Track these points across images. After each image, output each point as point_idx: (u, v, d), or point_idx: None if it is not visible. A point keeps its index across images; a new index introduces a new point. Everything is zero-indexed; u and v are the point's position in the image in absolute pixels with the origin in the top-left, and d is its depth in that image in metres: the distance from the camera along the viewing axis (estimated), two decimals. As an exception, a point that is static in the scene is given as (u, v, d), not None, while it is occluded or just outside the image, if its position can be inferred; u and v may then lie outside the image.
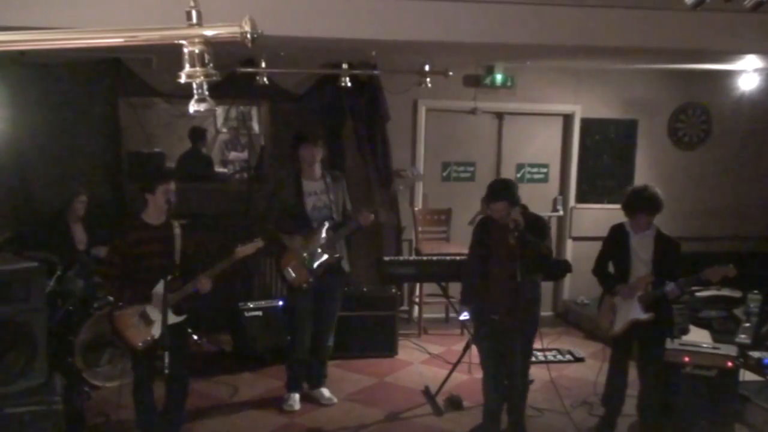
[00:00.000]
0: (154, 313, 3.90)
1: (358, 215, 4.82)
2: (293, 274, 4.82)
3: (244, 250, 4.06)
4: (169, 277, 3.89)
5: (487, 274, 4.32)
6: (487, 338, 4.44)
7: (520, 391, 4.45)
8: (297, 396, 5.04)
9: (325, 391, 5.13)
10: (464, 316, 4.57)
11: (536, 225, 4.25)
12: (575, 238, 7.47)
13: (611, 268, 4.64)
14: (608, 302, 4.56)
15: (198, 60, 1.48)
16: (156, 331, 3.87)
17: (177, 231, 4.02)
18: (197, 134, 7.63)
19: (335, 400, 5.10)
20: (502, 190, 4.22)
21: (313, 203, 4.85)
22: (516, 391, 4.45)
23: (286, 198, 4.87)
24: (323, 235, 4.82)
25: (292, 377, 5.10)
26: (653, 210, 4.35)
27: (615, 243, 4.53)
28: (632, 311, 4.37)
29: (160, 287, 3.86)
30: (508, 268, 4.18)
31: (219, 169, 8.50)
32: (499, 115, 7.31)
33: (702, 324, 5.98)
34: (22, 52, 5.15)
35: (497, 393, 4.46)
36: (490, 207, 4.23)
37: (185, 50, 1.48)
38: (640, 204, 4.35)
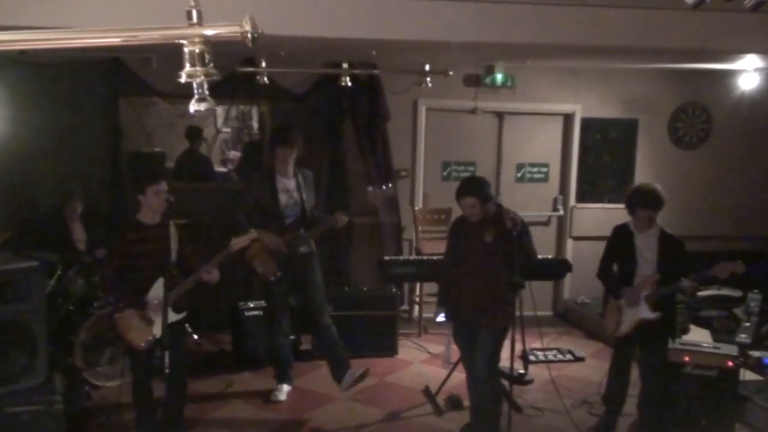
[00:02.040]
0: (154, 313, 3.90)
1: (332, 217, 4.88)
2: (261, 267, 4.88)
3: (239, 242, 4.11)
4: (167, 276, 3.91)
5: (461, 273, 4.28)
6: (462, 339, 4.41)
7: (487, 397, 4.27)
8: (284, 387, 5.14)
9: (353, 373, 4.95)
10: (441, 317, 4.51)
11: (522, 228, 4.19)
12: (575, 238, 7.47)
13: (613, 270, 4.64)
14: (613, 304, 4.54)
15: (198, 60, 1.48)
16: (157, 330, 3.88)
17: (172, 230, 4.03)
18: (194, 134, 7.63)
19: (362, 369, 4.97)
20: (467, 186, 4.19)
21: (286, 200, 4.92)
22: (481, 397, 4.29)
23: (259, 193, 4.94)
24: (293, 231, 4.88)
25: (277, 368, 5.21)
26: (651, 205, 4.33)
27: (619, 243, 4.51)
28: (639, 311, 4.35)
29: (158, 286, 3.87)
30: (481, 267, 4.16)
31: (219, 168, 8.50)
32: (500, 115, 7.31)
33: (702, 324, 5.98)
34: (22, 52, 5.16)
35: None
36: (459, 204, 4.21)
37: (185, 50, 1.48)
38: (639, 199, 4.36)
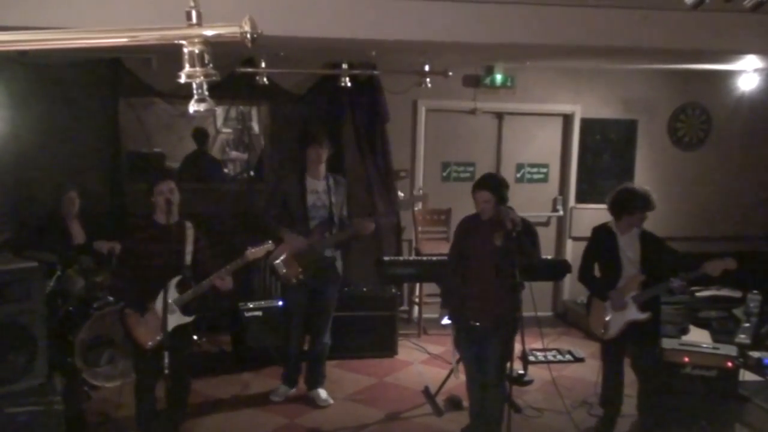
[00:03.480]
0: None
1: (358, 223, 4.83)
2: (284, 269, 4.83)
3: (255, 253, 4.05)
4: (179, 277, 3.91)
5: (468, 276, 4.21)
6: (466, 343, 4.35)
7: (497, 402, 4.23)
8: (284, 389, 5.13)
9: (322, 393, 5.12)
10: (445, 320, 4.43)
11: (528, 230, 4.14)
12: (575, 238, 7.46)
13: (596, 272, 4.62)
14: (599, 306, 4.50)
15: (198, 60, 1.48)
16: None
17: (190, 232, 4.02)
18: (201, 135, 7.62)
19: (331, 401, 5.10)
20: (486, 180, 4.17)
21: (314, 201, 4.88)
22: (490, 402, 4.25)
23: (289, 192, 4.90)
24: (319, 234, 4.83)
25: (286, 372, 5.18)
26: (651, 206, 4.33)
27: (602, 245, 4.48)
28: (628, 312, 4.33)
29: (170, 288, 3.88)
30: (490, 270, 4.10)
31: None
32: (499, 115, 7.31)
33: (702, 324, 5.98)
34: (22, 53, 5.15)
35: (479, 396, 4.36)
36: (474, 197, 4.16)
37: (185, 50, 1.48)
38: (637, 202, 4.33)
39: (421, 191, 4.90)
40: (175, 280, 3.92)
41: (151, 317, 3.92)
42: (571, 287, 7.42)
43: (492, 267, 4.10)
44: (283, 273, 4.85)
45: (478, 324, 4.17)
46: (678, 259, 4.38)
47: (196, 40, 1.47)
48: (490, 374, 4.19)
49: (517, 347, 4.10)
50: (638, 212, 4.35)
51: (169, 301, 3.89)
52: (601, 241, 4.51)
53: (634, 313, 4.32)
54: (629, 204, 4.37)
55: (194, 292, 3.95)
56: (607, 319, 4.43)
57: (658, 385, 4.47)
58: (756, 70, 6.76)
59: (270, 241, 4.18)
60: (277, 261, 4.82)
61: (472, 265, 4.20)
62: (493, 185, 4.11)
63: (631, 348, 4.52)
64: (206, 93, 1.53)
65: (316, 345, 5.13)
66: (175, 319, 3.92)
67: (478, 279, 4.17)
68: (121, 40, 1.50)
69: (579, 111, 7.34)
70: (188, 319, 4.00)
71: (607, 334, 4.46)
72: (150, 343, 3.89)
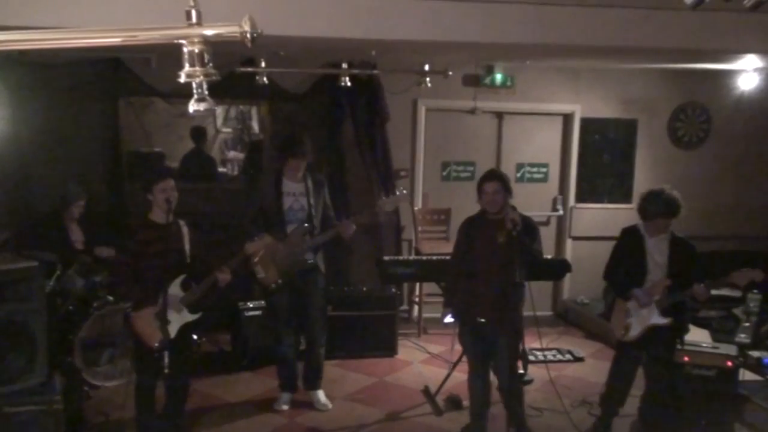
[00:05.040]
0: (171, 314, 3.91)
1: (339, 225, 4.75)
2: (263, 273, 4.74)
3: (253, 246, 4.15)
4: (183, 276, 3.92)
5: (472, 274, 4.21)
6: (472, 340, 4.34)
7: (514, 393, 4.29)
8: (287, 396, 5.05)
9: (321, 395, 5.07)
10: (449, 319, 4.40)
11: (528, 226, 4.14)
12: (575, 238, 7.47)
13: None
14: (621, 307, 4.42)
15: (197, 59, 1.48)
16: (173, 330, 3.88)
17: (185, 230, 4.03)
18: (199, 134, 7.63)
19: (330, 406, 5.04)
20: (493, 171, 4.25)
21: (290, 204, 4.79)
22: (509, 394, 4.28)
23: (265, 195, 4.83)
24: (298, 238, 4.75)
25: (281, 377, 5.12)
26: (672, 214, 4.19)
27: (629, 246, 4.39)
28: (650, 316, 4.25)
29: (175, 287, 3.89)
30: (494, 268, 4.10)
31: (220, 169, 8.52)
32: (499, 115, 7.31)
33: (702, 324, 5.98)
34: (22, 52, 5.15)
35: (481, 394, 4.38)
36: (482, 190, 4.16)
37: (185, 50, 1.48)
38: (659, 207, 4.21)
39: (403, 191, 4.84)
40: (179, 280, 3.93)
41: (157, 318, 3.92)
42: (571, 287, 7.42)
43: (497, 265, 4.11)
44: (261, 277, 4.77)
45: (484, 321, 4.18)
46: (704, 270, 4.25)
47: (196, 40, 1.47)
48: (504, 378, 4.21)
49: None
50: (658, 218, 4.23)
51: (177, 300, 3.90)
52: (628, 243, 4.41)
53: (655, 318, 4.22)
54: (648, 208, 4.26)
55: (200, 289, 3.96)
56: (628, 320, 4.35)
57: (665, 387, 4.42)
58: (756, 70, 6.76)
59: (266, 234, 4.21)
60: (256, 266, 4.69)
61: (478, 264, 4.21)
62: (502, 176, 4.20)
63: (648, 352, 4.41)
64: (206, 92, 1.53)
65: (311, 353, 5.09)
66: (183, 318, 3.93)
67: (483, 277, 4.17)
68: (120, 39, 1.50)
69: (579, 111, 7.34)
70: (195, 317, 4.02)
71: (626, 336, 4.36)
72: (157, 344, 3.89)
